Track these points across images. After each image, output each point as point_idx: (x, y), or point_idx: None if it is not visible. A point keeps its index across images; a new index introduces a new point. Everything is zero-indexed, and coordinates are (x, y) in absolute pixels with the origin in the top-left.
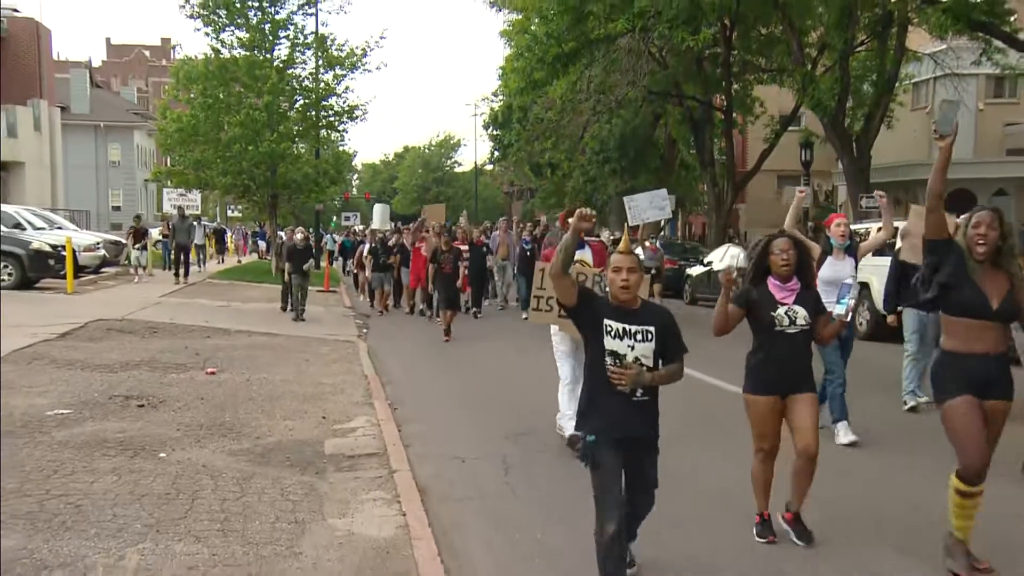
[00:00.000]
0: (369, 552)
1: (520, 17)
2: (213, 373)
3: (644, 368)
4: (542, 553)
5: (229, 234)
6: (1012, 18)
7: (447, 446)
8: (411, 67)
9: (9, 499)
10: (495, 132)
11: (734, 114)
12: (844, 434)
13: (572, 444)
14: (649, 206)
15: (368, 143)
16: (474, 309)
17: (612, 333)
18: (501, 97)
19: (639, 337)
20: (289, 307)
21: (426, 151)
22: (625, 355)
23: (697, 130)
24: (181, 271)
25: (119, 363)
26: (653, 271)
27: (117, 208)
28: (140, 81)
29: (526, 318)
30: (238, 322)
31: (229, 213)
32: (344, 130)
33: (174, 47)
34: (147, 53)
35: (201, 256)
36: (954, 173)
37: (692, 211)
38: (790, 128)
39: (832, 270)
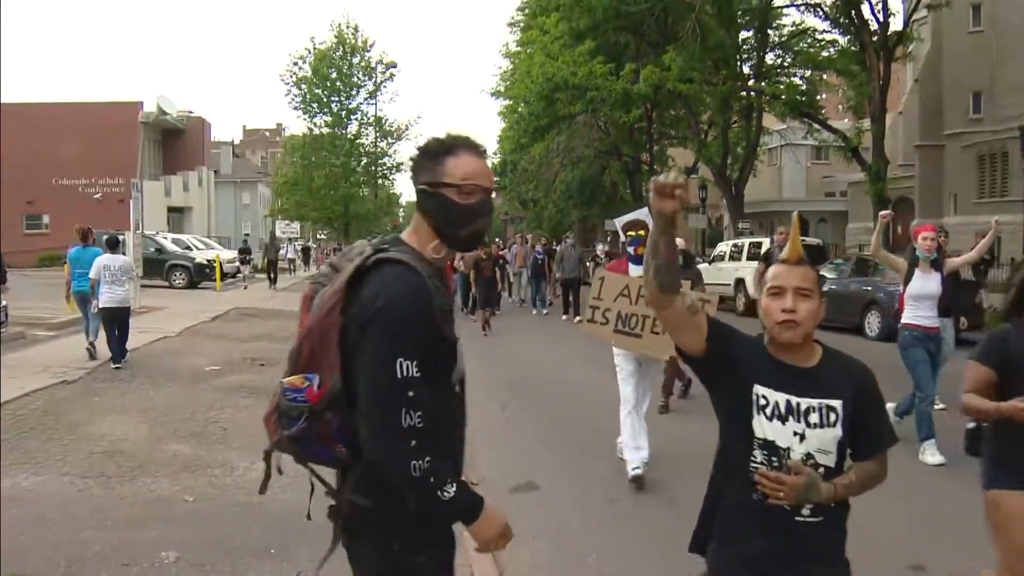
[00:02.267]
0: None
1: (511, 103)
2: None
3: (820, 473)
4: (526, 455)
5: (313, 251)
6: (823, 110)
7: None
8: (436, 132)
9: (185, 424)
10: (495, 178)
11: (655, 166)
12: (931, 454)
13: (637, 483)
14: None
15: (408, 187)
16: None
17: (768, 411)
18: (497, 155)
19: (815, 419)
20: None
21: None
22: (789, 448)
23: (631, 177)
24: (273, 277)
25: (248, 336)
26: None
27: (247, 235)
28: (262, 151)
29: (535, 313)
30: None
31: (319, 236)
32: (394, 179)
33: (283, 129)
34: (267, 133)
35: (293, 267)
36: (793, 207)
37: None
38: (691, 175)
39: (921, 284)
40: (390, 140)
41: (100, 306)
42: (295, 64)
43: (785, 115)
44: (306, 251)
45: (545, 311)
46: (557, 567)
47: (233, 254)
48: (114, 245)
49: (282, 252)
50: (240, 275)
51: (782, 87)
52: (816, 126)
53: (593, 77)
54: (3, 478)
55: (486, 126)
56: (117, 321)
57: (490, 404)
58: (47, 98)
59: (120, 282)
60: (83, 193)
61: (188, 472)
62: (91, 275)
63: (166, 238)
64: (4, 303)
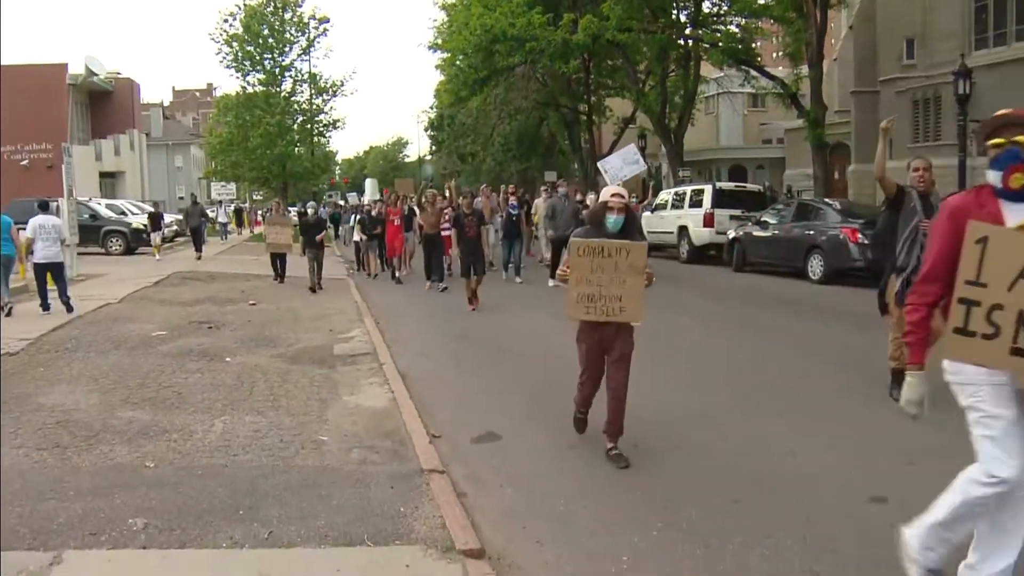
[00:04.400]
0: (371, 416)
1: (449, 55)
2: (254, 304)
3: None
4: (483, 406)
5: (245, 212)
6: (759, 58)
7: (416, 347)
8: (372, 88)
9: (137, 390)
10: (432, 133)
11: (593, 116)
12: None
13: None
14: (623, 164)
15: (344, 144)
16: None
17: None
18: (435, 109)
19: None
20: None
21: (384, 148)
22: None
23: (569, 128)
24: (197, 246)
25: (192, 300)
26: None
27: (182, 198)
28: (193, 112)
29: (520, 281)
30: (265, 270)
31: (255, 196)
32: (330, 136)
33: (214, 88)
34: (198, 94)
35: (225, 229)
36: (732, 154)
37: (567, 182)
38: (630, 126)
39: None
40: (325, 97)
41: (35, 261)
42: (225, 21)
43: (723, 63)
44: (239, 212)
45: (519, 279)
46: (529, 512)
47: (169, 218)
48: (45, 207)
49: (213, 214)
50: (155, 244)
51: (719, 35)
52: (754, 74)
53: (531, 28)
54: None
55: (422, 80)
56: (52, 274)
57: (446, 357)
58: None
59: (54, 240)
60: (10, 160)
61: (146, 438)
62: (27, 234)
63: (100, 204)
64: None
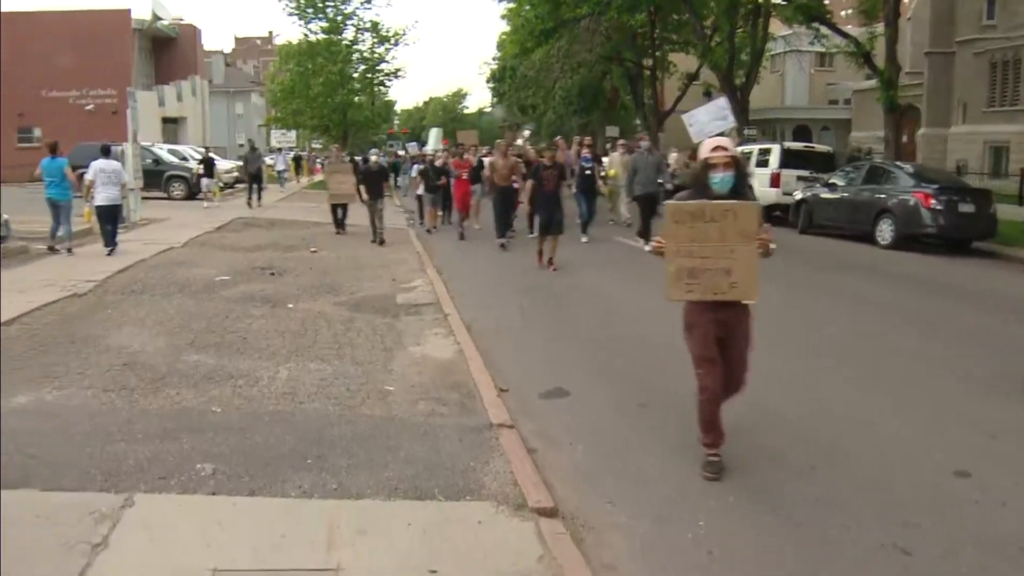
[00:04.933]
0: (437, 367)
1: (515, 5)
2: (315, 251)
3: None
4: (550, 361)
5: (304, 159)
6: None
7: (480, 300)
8: (432, 38)
9: (203, 334)
10: (493, 85)
11: (657, 72)
12: None
13: None
14: (710, 119)
15: (403, 94)
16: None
17: None
18: (497, 61)
19: None
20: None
21: (444, 100)
22: None
23: (633, 83)
24: (254, 197)
25: (254, 246)
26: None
27: (241, 145)
28: (254, 60)
29: (585, 241)
30: (325, 218)
31: (313, 144)
32: (390, 85)
33: (275, 36)
34: (259, 42)
35: (284, 177)
36: (797, 114)
37: (630, 138)
38: (694, 82)
39: None
40: (387, 46)
41: (96, 204)
42: None
43: (794, 20)
44: (298, 160)
45: (585, 238)
46: (600, 472)
47: (230, 164)
48: (107, 151)
49: (271, 161)
50: (204, 192)
51: None
52: (824, 31)
53: None
54: (25, 392)
55: (484, 31)
56: (111, 215)
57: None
58: (33, 6)
59: (114, 183)
60: (74, 104)
61: (212, 382)
62: (88, 177)
63: (162, 149)
64: (5, 217)
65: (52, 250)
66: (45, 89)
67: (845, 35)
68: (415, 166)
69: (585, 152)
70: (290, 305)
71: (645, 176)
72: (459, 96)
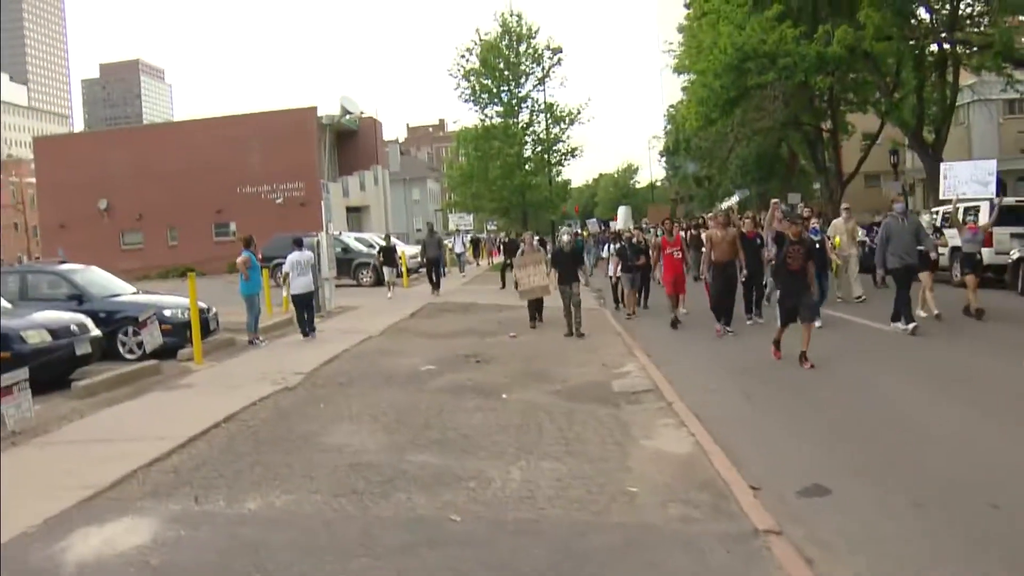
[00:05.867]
0: (678, 464)
1: (696, 77)
2: (515, 337)
3: None
4: (798, 454)
5: (483, 242)
6: None
7: (697, 381)
8: (598, 116)
9: (423, 431)
10: (667, 159)
11: (838, 133)
12: None
13: None
14: (969, 179)
15: (571, 173)
16: (748, 317)
17: None
18: (667, 134)
19: None
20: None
21: (615, 175)
22: None
23: (812, 147)
24: (435, 282)
25: (450, 332)
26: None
27: (419, 230)
28: (427, 147)
29: (818, 325)
30: (514, 300)
31: (488, 227)
32: (568, 164)
33: (451, 123)
34: (431, 129)
35: (462, 260)
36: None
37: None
38: (876, 143)
39: None
40: (563, 125)
41: (292, 293)
42: (462, 57)
43: (995, 67)
44: (476, 242)
45: (818, 323)
46: None
47: (413, 249)
48: (300, 243)
49: (450, 244)
50: (388, 281)
51: (990, 35)
52: (1019, 75)
53: (783, 43)
54: (254, 497)
55: (650, 106)
56: (306, 303)
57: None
58: (229, 110)
59: (306, 272)
60: (265, 200)
61: (442, 486)
62: (285, 268)
63: (350, 237)
64: (214, 311)
65: (252, 343)
66: (239, 185)
67: None
68: (607, 244)
69: (814, 223)
70: (504, 396)
71: (901, 243)
72: (630, 171)
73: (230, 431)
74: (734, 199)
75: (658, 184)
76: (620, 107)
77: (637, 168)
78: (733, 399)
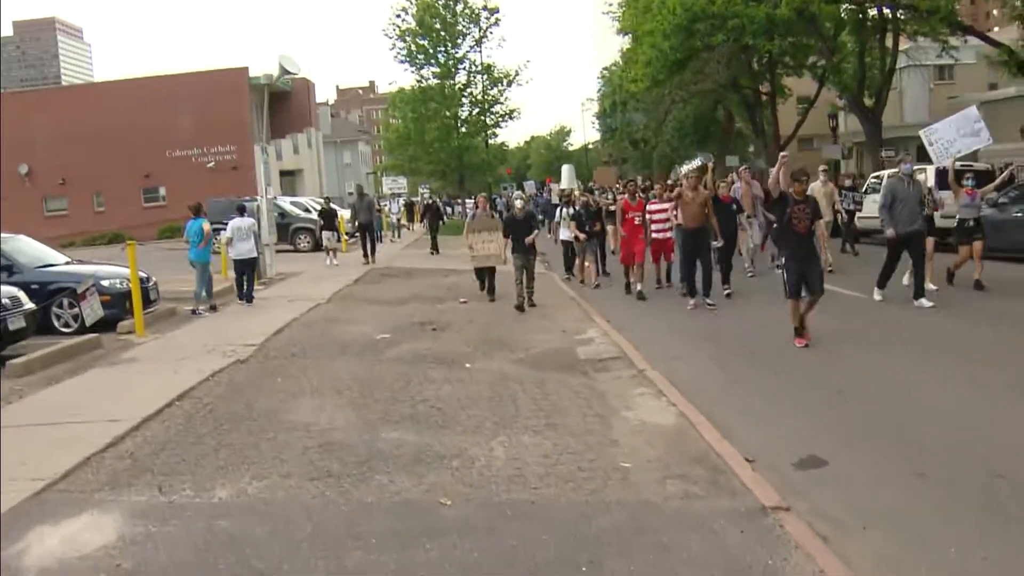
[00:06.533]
0: (665, 436)
1: (634, 43)
2: (465, 303)
3: None
4: (785, 423)
5: (416, 206)
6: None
7: (662, 348)
8: (534, 78)
9: (392, 404)
10: (603, 120)
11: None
12: None
13: None
14: (957, 135)
15: (503, 135)
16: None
17: None
18: (602, 97)
19: None
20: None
21: (547, 138)
22: None
23: (751, 111)
24: (369, 250)
25: (399, 299)
26: (971, 223)
27: (351, 193)
28: (357, 110)
29: (728, 293)
30: (458, 264)
31: (421, 189)
32: (505, 126)
33: (375, 85)
34: (360, 91)
35: (398, 225)
36: (919, 131)
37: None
38: (813, 107)
39: None
40: (501, 87)
41: (233, 258)
42: (398, 16)
43: (938, 32)
44: (410, 206)
45: (728, 289)
46: (914, 563)
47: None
48: (243, 210)
49: (386, 207)
50: (329, 248)
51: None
52: (954, 42)
53: (733, 3)
54: (224, 484)
55: (583, 68)
56: (247, 269)
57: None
58: (154, 71)
59: (248, 238)
60: (196, 163)
61: (423, 465)
62: (227, 234)
63: (286, 201)
64: (154, 280)
65: (195, 313)
66: (168, 149)
67: (997, 44)
68: (557, 209)
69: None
70: (467, 365)
71: (907, 210)
72: (562, 134)
73: (185, 410)
74: (696, 162)
75: (591, 147)
76: (551, 69)
77: (570, 131)
78: (705, 367)
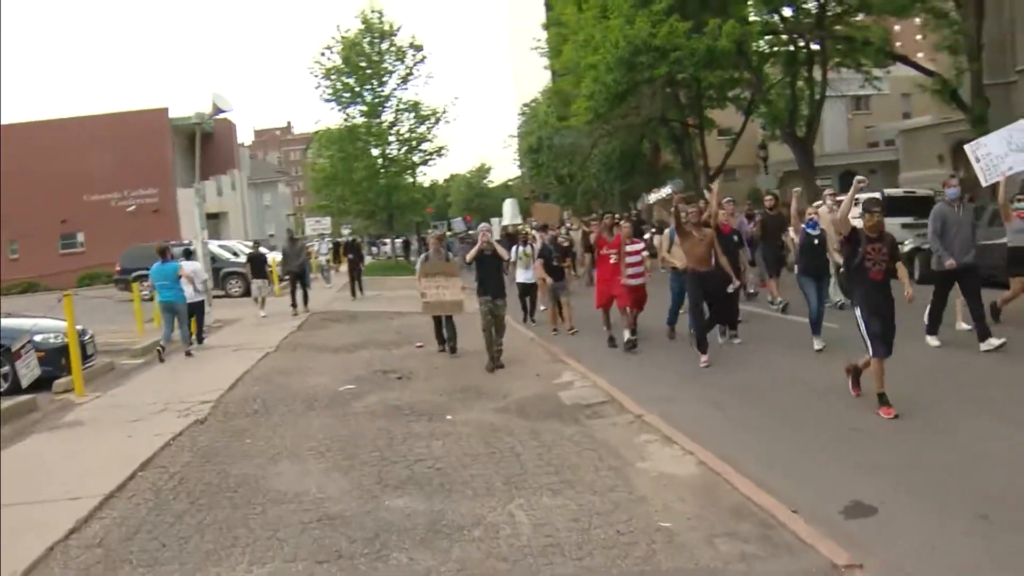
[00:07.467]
0: (693, 488)
1: (572, 76)
2: (422, 346)
3: None
4: (813, 465)
5: (341, 247)
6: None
7: (648, 390)
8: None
9: (386, 467)
10: (531, 157)
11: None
12: None
13: None
14: (1007, 151)
15: (428, 172)
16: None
17: None
18: (522, 134)
19: None
20: (445, 344)
21: (468, 176)
22: None
23: (678, 143)
24: (299, 299)
25: (350, 344)
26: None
27: (272, 235)
28: (275, 151)
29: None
30: (401, 306)
31: (343, 230)
32: (434, 164)
33: (291, 125)
34: (278, 132)
35: (326, 269)
36: (839, 160)
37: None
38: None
39: None
40: (428, 124)
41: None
42: (322, 55)
43: (874, 63)
44: (336, 248)
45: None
46: None
47: (273, 256)
48: (188, 255)
49: (315, 248)
50: (259, 297)
51: (866, 32)
52: (876, 72)
53: (675, 36)
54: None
55: (501, 104)
56: (196, 313)
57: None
58: (70, 112)
59: (195, 282)
60: (115, 207)
61: (443, 538)
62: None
63: (214, 245)
64: (90, 333)
65: (189, 355)
66: (86, 193)
67: (930, 72)
68: (514, 246)
69: (813, 216)
70: (448, 417)
71: (961, 237)
72: (483, 171)
73: (152, 482)
74: (665, 190)
75: (510, 184)
76: (468, 107)
77: (490, 168)
78: (701, 409)
